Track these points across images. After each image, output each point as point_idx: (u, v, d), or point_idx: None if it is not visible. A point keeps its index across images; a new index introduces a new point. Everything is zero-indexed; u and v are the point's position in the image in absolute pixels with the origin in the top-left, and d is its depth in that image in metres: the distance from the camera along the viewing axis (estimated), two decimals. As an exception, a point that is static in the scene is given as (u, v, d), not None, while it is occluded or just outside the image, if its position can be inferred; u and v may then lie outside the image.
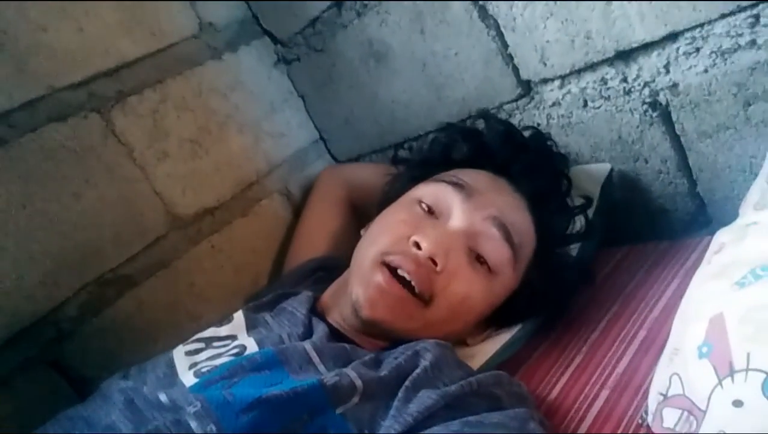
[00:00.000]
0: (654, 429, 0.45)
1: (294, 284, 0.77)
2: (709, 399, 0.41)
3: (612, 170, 0.76)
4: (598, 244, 0.74)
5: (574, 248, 0.70)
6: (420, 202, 0.64)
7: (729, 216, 0.70)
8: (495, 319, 0.65)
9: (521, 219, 0.63)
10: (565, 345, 0.63)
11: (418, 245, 0.58)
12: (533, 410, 0.51)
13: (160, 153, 0.90)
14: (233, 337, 0.60)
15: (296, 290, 0.69)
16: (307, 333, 0.58)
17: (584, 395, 0.54)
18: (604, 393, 0.53)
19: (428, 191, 0.65)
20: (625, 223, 0.79)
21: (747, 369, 0.40)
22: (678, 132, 0.72)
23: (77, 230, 0.80)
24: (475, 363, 0.63)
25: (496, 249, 0.60)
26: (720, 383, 0.41)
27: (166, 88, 0.92)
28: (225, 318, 0.64)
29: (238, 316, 0.63)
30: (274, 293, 0.69)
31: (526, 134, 0.73)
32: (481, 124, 0.76)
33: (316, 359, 0.53)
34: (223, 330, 0.62)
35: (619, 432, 0.48)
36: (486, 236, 0.60)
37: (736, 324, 0.42)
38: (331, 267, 0.79)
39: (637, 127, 0.74)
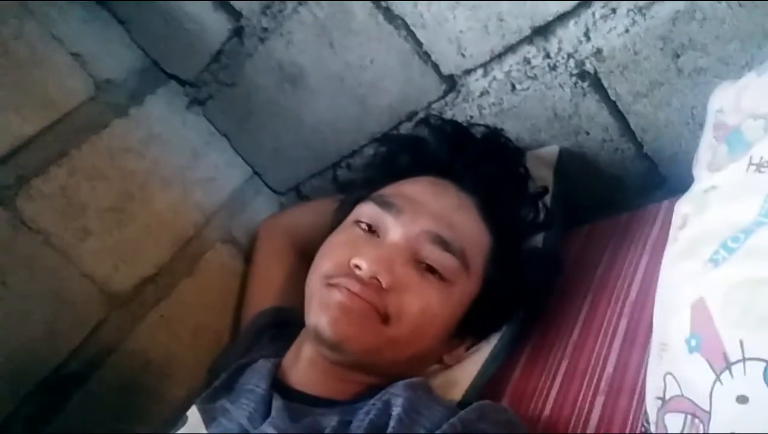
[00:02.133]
0: (659, 439, 0.41)
1: (248, 348, 0.71)
2: (710, 397, 0.37)
3: (561, 151, 0.72)
4: (561, 230, 0.70)
5: (538, 240, 0.66)
6: (358, 222, 0.61)
7: (681, 171, 0.68)
8: (468, 329, 0.61)
9: (464, 220, 0.60)
10: (548, 351, 0.59)
11: (358, 267, 0.55)
12: (525, 437, 0.48)
13: (80, 232, 0.82)
14: (193, 439, 0.54)
15: (253, 359, 0.63)
16: (268, 410, 0.53)
17: (579, 406, 0.50)
18: (600, 400, 0.49)
19: (364, 211, 0.62)
20: (581, 200, 0.76)
21: (743, 359, 0.36)
22: (612, 97, 0.69)
23: (5, 338, 0.72)
24: (459, 391, 0.59)
25: (439, 261, 0.57)
26: (718, 378, 0.37)
27: (72, 161, 0.84)
28: (179, 420, 0.58)
29: (192, 414, 0.57)
30: (228, 371, 0.63)
31: (478, 131, 0.68)
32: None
33: (281, 441, 0.48)
34: (180, 435, 0.56)
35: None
36: (426, 250, 0.57)
37: (719, 309, 0.38)
38: (282, 322, 0.74)
39: (571, 100, 0.71)
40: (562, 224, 0.70)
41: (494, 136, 0.67)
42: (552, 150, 0.73)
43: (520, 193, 0.63)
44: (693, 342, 0.39)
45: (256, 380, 0.58)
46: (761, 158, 0.43)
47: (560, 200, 0.70)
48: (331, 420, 0.50)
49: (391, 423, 0.47)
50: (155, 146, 0.94)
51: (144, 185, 0.90)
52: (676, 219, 0.48)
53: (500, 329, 0.62)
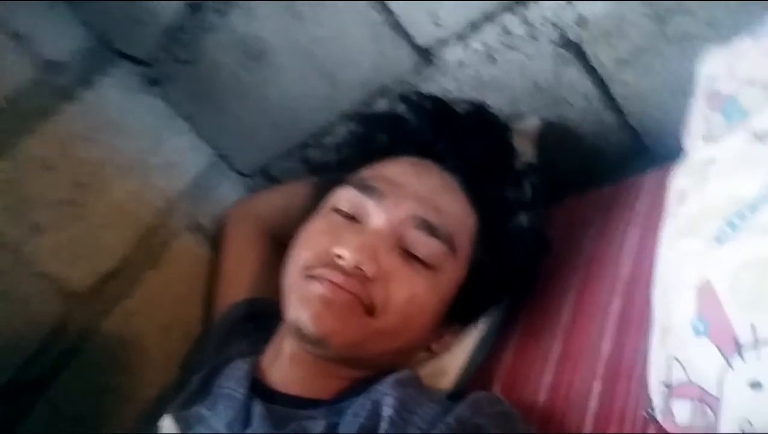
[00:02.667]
0: (666, 427, 0.39)
1: (222, 344, 0.67)
2: (720, 383, 0.35)
3: (542, 124, 0.70)
4: (545, 205, 0.68)
5: (523, 218, 0.63)
6: (337, 209, 0.57)
7: (665, 141, 0.66)
8: (456, 315, 0.58)
9: (449, 203, 0.57)
10: (538, 334, 0.57)
11: (340, 257, 0.52)
12: (522, 428, 0.46)
13: (31, 227, 0.76)
14: (167, 451, 0.50)
15: (228, 357, 0.59)
16: (248, 417, 0.50)
17: (576, 392, 0.48)
18: (597, 385, 0.47)
19: (343, 196, 0.58)
20: (562, 173, 0.73)
21: (756, 344, 0.34)
22: (595, 66, 0.66)
23: (-46, 350, 0.67)
24: (448, 380, 0.57)
25: (426, 247, 0.54)
26: (729, 363, 0.35)
27: (18, 152, 0.77)
28: (151, 430, 0.54)
29: (167, 425, 0.53)
30: (202, 374, 0.59)
31: (462, 107, 0.64)
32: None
33: (266, 453, 0.44)
34: (154, 448, 0.52)
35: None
36: (411, 236, 0.54)
37: (727, 291, 0.36)
38: (257, 314, 0.70)
39: (552, 70, 0.68)
40: (546, 199, 0.67)
41: (479, 112, 0.63)
42: (533, 122, 0.70)
43: (507, 171, 0.60)
44: (700, 326, 0.37)
45: (233, 383, 0.54)
46: (763, 128, 0.41)
47: (543, 174, 0.67)
48: (317, 425, 0.47)
49: (383, 425, 0.44)
50: (109, 131, 0.87)
51: (99, 174, 0.84)
52: (672, 194, 0.46)
53: (489, 312, 0.60)
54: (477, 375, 0.57)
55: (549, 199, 0.69)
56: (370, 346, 0.52)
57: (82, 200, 0.81)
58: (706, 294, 0.37)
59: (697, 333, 0.37)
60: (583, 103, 0.70)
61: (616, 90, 0.67)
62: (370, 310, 0.52)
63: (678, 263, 0.41)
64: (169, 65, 0.90)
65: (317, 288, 0.51)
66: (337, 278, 0.51)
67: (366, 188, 0.56)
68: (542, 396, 0.51)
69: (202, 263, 0.92)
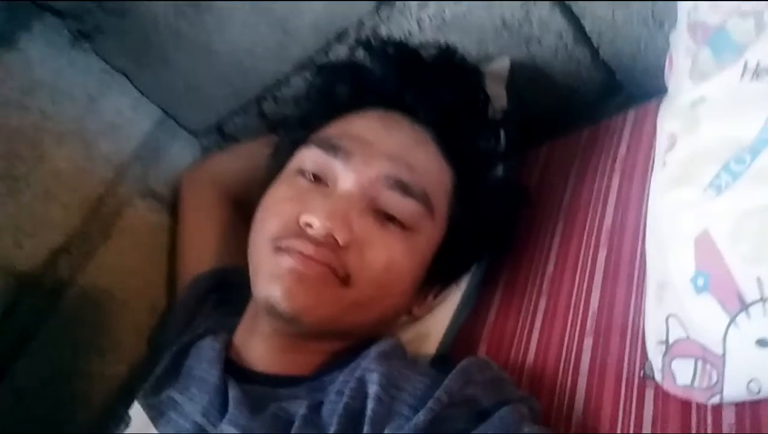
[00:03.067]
0: (667, 388, 0.38)
1: (189, 319, 0.63)
2: (724, 340, 0.34)
3: (512, 64, 0.65)
4: (519, 153, 0.64)
5: (498, 168, 0.60)
6: (302, 171, 0.53)
7: (641, 77, 0.63)
8: (436, 276, 0.56)
9: (423, 158, 0.53)
10: (522, 290, 0.55)
11: (309, 225, 0.48)
12: (515, 393, 0.44)
13: (-34, 208, 0.69)
14: (141, 441, 0.47)
15: (197, 334, 0.56)
16: (224, 402, 0.47)
17: (566, 349, 0.46)
18: (588, 342, 0.46)
19: (307, 158, 0.53)
20: (535, 116, 0.70)
21: (763, 299, 0.32)
22: (566, -1, 0.62)
23: None
24: (432, 343, 0.55)
25: (400, 208, 0.51)
26: (733, 320, 0.34)
27: (-61, 125, 0.69)
28: (121, 421, 0.50)
29: (136, 413, 0.50)
30: (170, 354, 0.55)
31: (428, 52, 0.59)
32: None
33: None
34: (125, 439, 0.48)
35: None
36: (384, 197, 0.50)
37: (728, 243, 0.35)
38: (224, 285, 0.67)
39: (521, 6, 0.63)
40: (521, 146, 0.64)
41: (447, 56, 0.58)
42: (502, 64, 0.66)
43: (482, 120, 0.56)
44: (700, 281, 0.35)
45: (205, 365, 0.50)
46: (758, 63, 0.38)
47: (515, 120, 0.63)
48: (299, 406, 0.44)
49: (369, 405, 0.41)
50: (40, 94, 0.79)
51: (34, 143, 0.76)
52: (661, 139, 0.43)
53: (470, 270, 0.58)
54: (461, 336, 0.56)
55: (523, 145, 0.66)
56: (349, 318, 0.49)
57: (19, 173, 0.74)
58: (705, 247, 0.35)
59: (697, 289, 0.36)
60: (554, 40, 0.66)
61: (589, 25, 0.63)
62: (345, 280, 0.48)
63: (672, 214, 0.39)
64: (99, 17, 0.81)
65: (287, 262, 0.47)
66: (308, 249, 0.47)
67: (331, 148, 0.52)
68: (531, 356, 0.49)
69: (159, 231, 0.86)
